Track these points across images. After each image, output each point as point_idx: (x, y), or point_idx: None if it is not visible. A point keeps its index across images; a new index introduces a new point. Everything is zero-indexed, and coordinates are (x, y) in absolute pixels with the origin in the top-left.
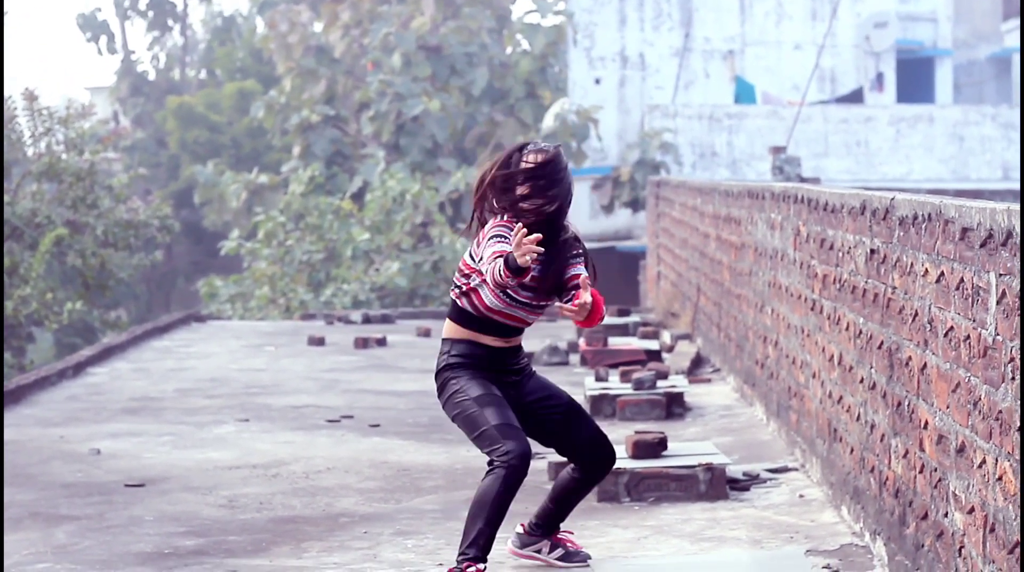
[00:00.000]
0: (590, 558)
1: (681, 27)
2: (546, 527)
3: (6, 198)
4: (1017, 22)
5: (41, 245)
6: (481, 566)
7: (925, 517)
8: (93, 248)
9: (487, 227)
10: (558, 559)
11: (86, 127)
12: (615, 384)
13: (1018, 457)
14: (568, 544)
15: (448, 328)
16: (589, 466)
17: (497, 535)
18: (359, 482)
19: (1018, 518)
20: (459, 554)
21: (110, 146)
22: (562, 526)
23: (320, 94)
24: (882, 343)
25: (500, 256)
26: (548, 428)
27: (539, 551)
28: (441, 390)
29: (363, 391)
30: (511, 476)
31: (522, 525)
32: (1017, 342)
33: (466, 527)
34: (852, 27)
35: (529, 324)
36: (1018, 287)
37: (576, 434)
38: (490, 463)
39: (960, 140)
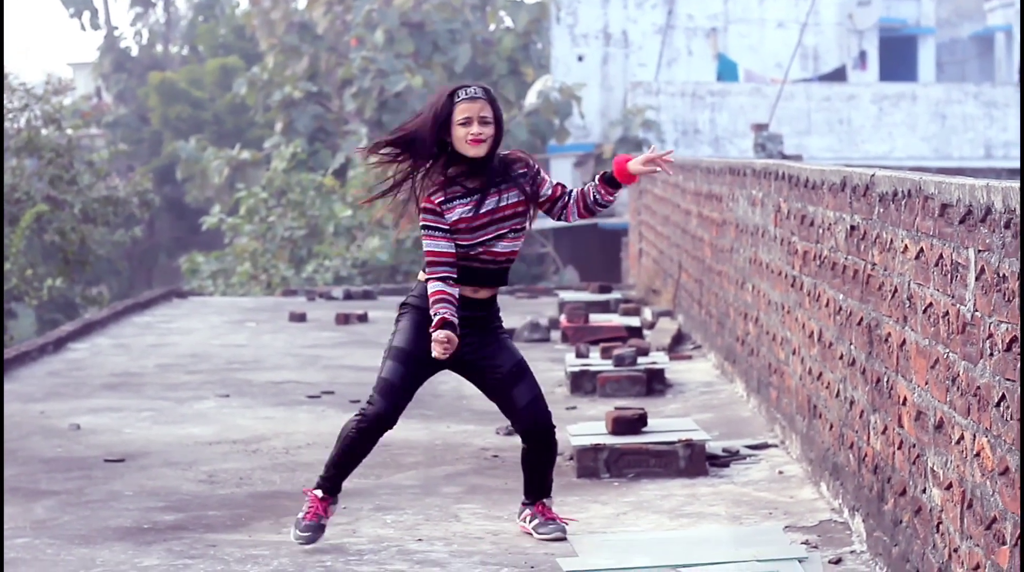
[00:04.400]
0: (565, 528)
1: (664, 4)
2: (530, 496)
3: None
4: (999, 1)
5: (21, 221)
6: (318, 493)
7: (903, 493)
8: (73, 224)
9: (421, 201)
10: (534, 527)
11: (66, 103)
12: (596, 360)
13: (996, 433)
14: (546, 514)
15: (423, 273)
16: (525, 434)
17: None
18: None
19: (995, 493)
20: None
21: (92, 122)
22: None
23: (303, 70)
24: (862, 319)
25: (438, 299)
26: (489, 385)
27: (524, 520)
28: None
29: (344, 367)
30: (361, 425)
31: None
32: (996, 318)
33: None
34: (835, 5)
35: (506, 255)
36: (997, 263)
37: (515, 398)
38: (361, 408)
39: (942, 118)
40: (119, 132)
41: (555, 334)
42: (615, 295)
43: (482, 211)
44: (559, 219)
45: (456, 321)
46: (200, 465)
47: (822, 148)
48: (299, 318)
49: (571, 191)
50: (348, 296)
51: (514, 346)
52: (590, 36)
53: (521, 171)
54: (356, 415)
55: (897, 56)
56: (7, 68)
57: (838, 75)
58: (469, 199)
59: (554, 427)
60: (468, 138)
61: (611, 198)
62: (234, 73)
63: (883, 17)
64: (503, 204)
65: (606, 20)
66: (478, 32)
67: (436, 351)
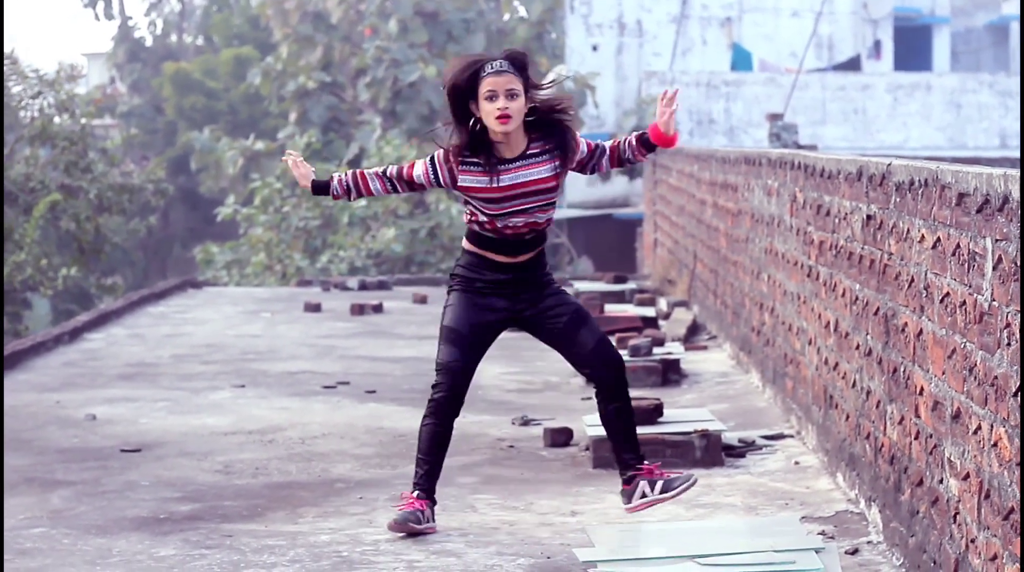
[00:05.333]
0: (693, 477)
1: None
2: (627, 459)
3: None
4: None
5: (35, 210)
6: (413, 493)
7: (920, 484)
8: (87, 212)
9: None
10: (663, 492)
11: (80, 92)
12: None
13: (1013, 423)
14: (659, 473)
15: (465, 241)
16: (598, 380)
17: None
18: (355, 448)
19: (1013, 484)
20: None
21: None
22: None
23: (317, 60)
24: (878, 309)
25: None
26: (554, 336)
27: (643, 495)
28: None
29: (359, 357)
30: (431, 414)
31: (621, 476)
32: (1013, 308)
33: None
34: None
35: (536, 225)
36: (1014, 253)
37: (579, 343)
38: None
39: (957, 108)
40: (133, 122)
41: None
42: (630, 285)
43: (502, 185)
44: (590, 174)
45: (328, 184)
46: (216, 455)
47: (837, 138)
48: (314, 308)
49: (603, 148)
50: (363, 286)
51: (570, 297)
52: (604, 26)
53: (548, 147)
54: (427, 406)
55: (912, 45)
56: (21, 57)
57: (853, 64)
58: (487, 171)
59: (624, 368)
60: (495, 114)
61: (643, 158)
62: (248, 63)
63: (898, 6)
64: (529, 179)
65: (620, 10)
66: (492, 21)
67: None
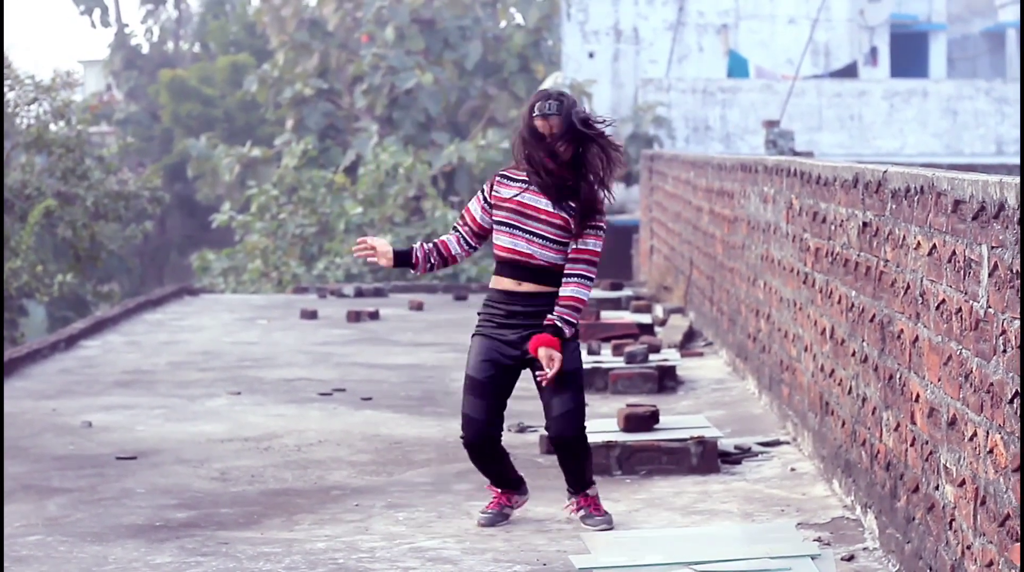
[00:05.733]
0: (611, 520)
1: (675, 1)
2: (572, 487)
3: None
4: None
5: (31, 217)
6: (497, 488)
7: (916, 490)
8: (84, 219)
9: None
10: (581, 518)
11: (75, 99)
12: (607, 357)
13: (1009, 430)
14: (594, 506)
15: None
16: (551, 440)
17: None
18: (351, 455)
19: (1009, 490)
20: None
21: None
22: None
23: (313, 67)
24: (874, 316)
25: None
26: (537, 383)
27: (572, 507)
28: None
29: (355, 364)
30: (466, 448)
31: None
32: (1009, 315)
33: None
34: (846, 1)
35: (535, 261)
36: (1010, 259)
37: (550, 405)
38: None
39: (954, 114)
40: (129, 129)
41: None
42: (626, 292)
43: (526, 201)
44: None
45: (410, 251)
46: (212, 462)
47: (833, 144)
48: (310, 315)
49: (571, 264)
50: (359, 293)
51: (573, 353)
52: (601, 33)
53: (578, 210)
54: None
55: (908, 52)
56: (15, 63)
57: (849, 71)
58: (524, 187)
59: (583, 437)
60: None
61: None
62: (245, 70)
63: (894, 13)
64: (547, 209)
65: (617, 16)
66: (489, 29)
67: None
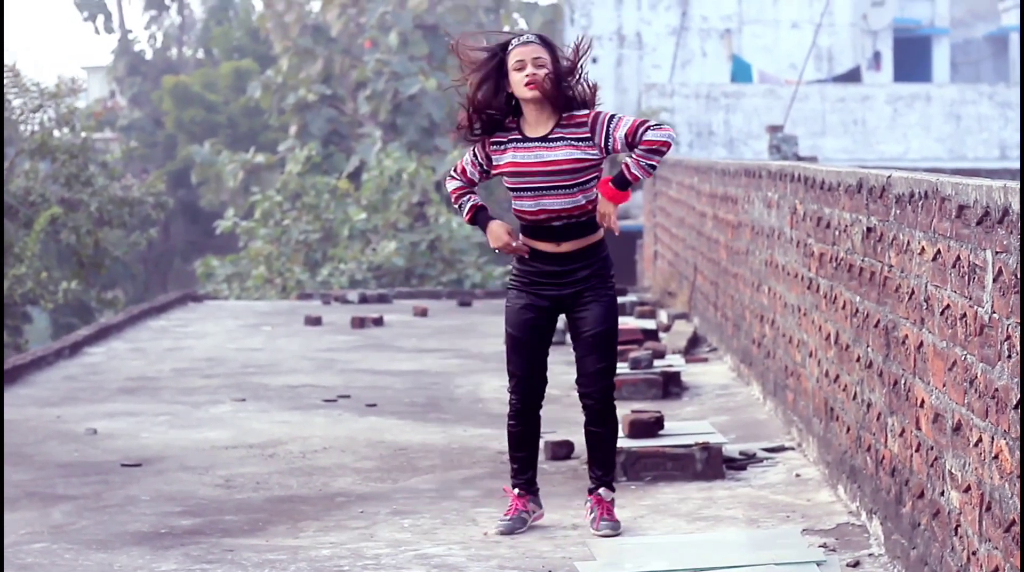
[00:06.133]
0: (619, 527)
1: (678, 6)
2: (593, 472)
3: None
4: (1013, 1)
5: (36, 224)
6: (516, 491)
7: (921, 496)
8: (88, 226)
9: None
10: (591, 521)
11: (79, 105)
12: None
13: (1014, 435)
14: (604, 509)
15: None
16: (582, 398)
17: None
18: (356, 462)
19: (1014, 496)
20: None
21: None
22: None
23: (317, 73)
24: (878, 322)
25: (459, 195)
26: (573, 339)
27: (590, 511)
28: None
29: (360, 371)
30: (512, 418)
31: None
32: (1014, 320)
33: None
34: (849, 5)
35: (566, 211)
36: (1015, 265)
37: (584, 363)
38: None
39: (957, 119)
40: (133, 136)
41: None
42: (630, 297)
43: (531, 160)
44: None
45: (486, 206)
46: (217, 469)
47: (837, 149)
48: (315, 322)
49: (638, 137)
50: (363, 300)
51: (608, 311)
52: (604, 38)
53: (582, 135)
54: (508, 408)
55: (911, 57)
56: (15, 67)
57: (852, 76)
58: (521, 146)
59: (612, 401)
60: (524, 81)
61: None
62: (248, 76)
63: (897, 18)
64: (555, 158)
65: (620, 22)
66: None
67: (493, 244)
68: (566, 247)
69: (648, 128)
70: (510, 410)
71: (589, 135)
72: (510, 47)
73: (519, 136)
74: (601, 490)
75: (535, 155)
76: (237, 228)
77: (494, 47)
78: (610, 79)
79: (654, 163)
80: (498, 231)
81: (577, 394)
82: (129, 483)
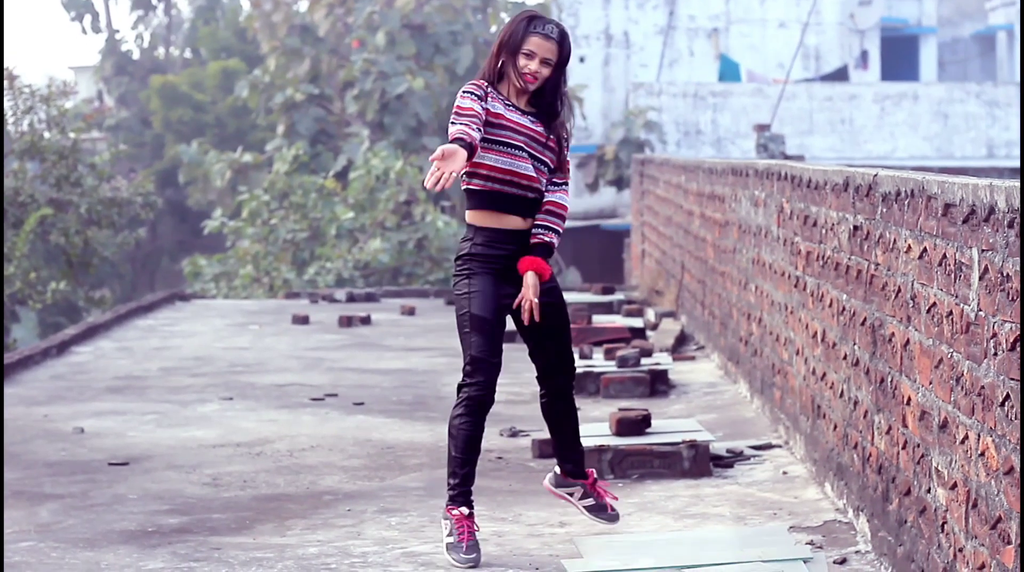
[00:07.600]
0: (618, 518)
1: (666, 5)
2: (564, 461)
3: None
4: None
5: (25, 224)
6: (462, 511)
7: (908, 493)
8: (77, 226)
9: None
10: (587, 508)
11: (69, 106)
12: (599, 362)
13: (1000, 433)
14: (601, 496)
15: (471, 215)
16: (552, 380)
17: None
18: (343, 460)
19: (1000, 493)
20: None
21: (93, 125)
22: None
23: (304, 73)
24: (865, 319)
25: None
26: (529, 329)
27: (571, 494)
28: (455, 281)
29: (347, 369)
30: (465, 413)
31: (560, 467)
32: (1000, 318)
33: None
34: (836, 5)
35: (537, 184)
36: (1001, 263)
37: (548, 348)
38: (459, 388)
39: (944, 118)
40: (121, 136)
41: None
42: (618, 296)
43: (519, 121)
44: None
45: (471, 140)
46: (204, 468)
47: (824, 148)
48: (302, 321)
49: (552, 188)
50: (351, 298)
51: (559, 297)
52: (591, 37)
53: (559, 134)
54: (457, 404)
55: (899, 56)
56: (11, 71)
57: (840, 75)
58: (510, 106)
59: (573, 378)
60: (525, 71)
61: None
62: (235, 76)
63: (884, 17)
64: (539, 129)
65: (607, 21)
66: (480, 34)
67: (440, 149)
68: (514, 223)
69: (564, 183)
70: (466, 405)
71: (555, 137)
72: (533, 28)
73: (506, 98)
74: (587, 477)
75: (520, 116)
76: (225, 227)
77: (524, 16)
78: (598, 79)
79: (560, 230)
80: (454, 150)
81: (540, 381)
82: (116, 482)
